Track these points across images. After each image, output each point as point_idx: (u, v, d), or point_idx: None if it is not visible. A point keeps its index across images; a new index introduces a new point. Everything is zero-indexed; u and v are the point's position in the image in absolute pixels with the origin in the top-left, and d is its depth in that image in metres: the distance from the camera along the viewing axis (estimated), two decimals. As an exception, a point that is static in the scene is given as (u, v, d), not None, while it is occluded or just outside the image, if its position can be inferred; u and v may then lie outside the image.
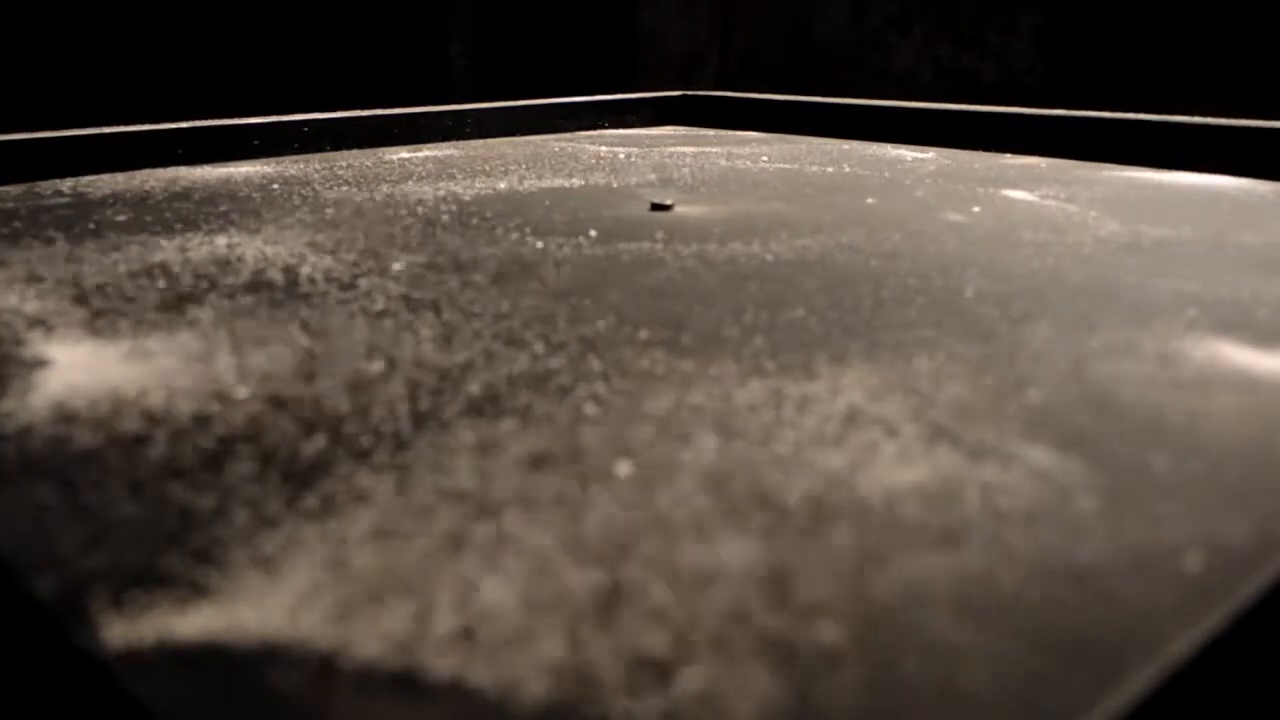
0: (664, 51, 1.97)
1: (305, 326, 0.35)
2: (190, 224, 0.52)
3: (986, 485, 0.23)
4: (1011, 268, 0.43)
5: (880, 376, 0.30)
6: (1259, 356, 0.32)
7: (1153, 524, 0.21)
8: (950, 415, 0.27)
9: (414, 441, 0.25)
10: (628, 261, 0.44)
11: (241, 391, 0.29)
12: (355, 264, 0.43)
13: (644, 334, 0.34)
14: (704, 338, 0.33)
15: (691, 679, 0.16)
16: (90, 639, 0.17)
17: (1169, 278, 0.42)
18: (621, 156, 0.80)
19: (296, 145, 0.80)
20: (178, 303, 0.37)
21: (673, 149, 0.85)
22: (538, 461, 0.24)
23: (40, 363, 0.31)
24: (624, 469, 0.24)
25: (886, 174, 0.71)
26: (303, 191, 0.62)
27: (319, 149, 0.81)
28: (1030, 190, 0.64)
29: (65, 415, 0.27)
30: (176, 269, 0.43)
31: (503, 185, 0.65)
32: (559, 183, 0.66)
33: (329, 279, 0.41)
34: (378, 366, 0.31)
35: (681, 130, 1.02)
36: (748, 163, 0.77)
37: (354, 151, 0.82)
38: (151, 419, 0.27)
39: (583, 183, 0.67)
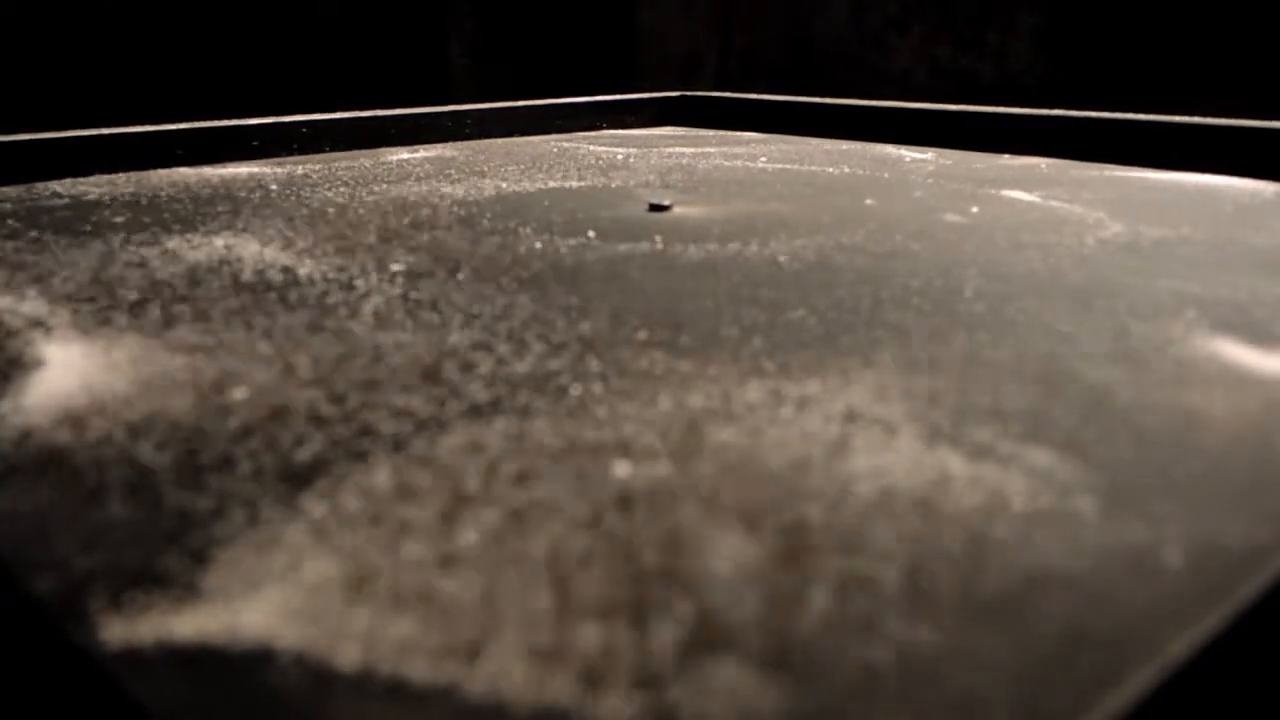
0: (663, 52, 1.97)
1: (304, 326, 0.35)
2: (189, 224, 0.52)
3: (985, 485, 0.23)
4: (1011, 268, 0.43)
5: (879, 377, 0.30)
6: (1259, 356, 0.32)
7: (1152, 524, 0.21)
8: (949, 415, 0.27)
9: (413, 441, 0.25)
10: (627, 262, 0.44)
11: (240, 392, 0.29)
12: (354, 264, 0.43)
13: (643, 334, 0.34)
14: (703, 338, 0.33)
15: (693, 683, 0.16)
16: (89, 639, 0.17)
17: (1169, 278, 0.42)
18: (620, 157, 0.80)
19: (296, 146, 0.80)
20: (176, 303, 0.37)
21: (672, 149, 0.85)
22: (538, 462, 0.24)
23: (38, 363, 0.31)
24: (623, 469, 0.24)
25: (886, 174, 0.71)
26: (302, 192, 0.62)
27: (318, 149, 0.81)
28: (1030, 191, 0.64)
29: (63, 415, 0.27)
30: (175, 269, 0.42)
31: (502, 186, 0.65)
32: (558, 183, 0.66)
33: (328, 279, 0.41)
34: (377, 366, 0.31)
35: (680, 131, 1.02)
36: (747, 163, 0.77)
37: (353, 152, 0.82)
38: (151, 419, 0.27)
39: (581, 183, 0.67)
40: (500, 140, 0.90)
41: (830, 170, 0.73)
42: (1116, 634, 0.17)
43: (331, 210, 0.56)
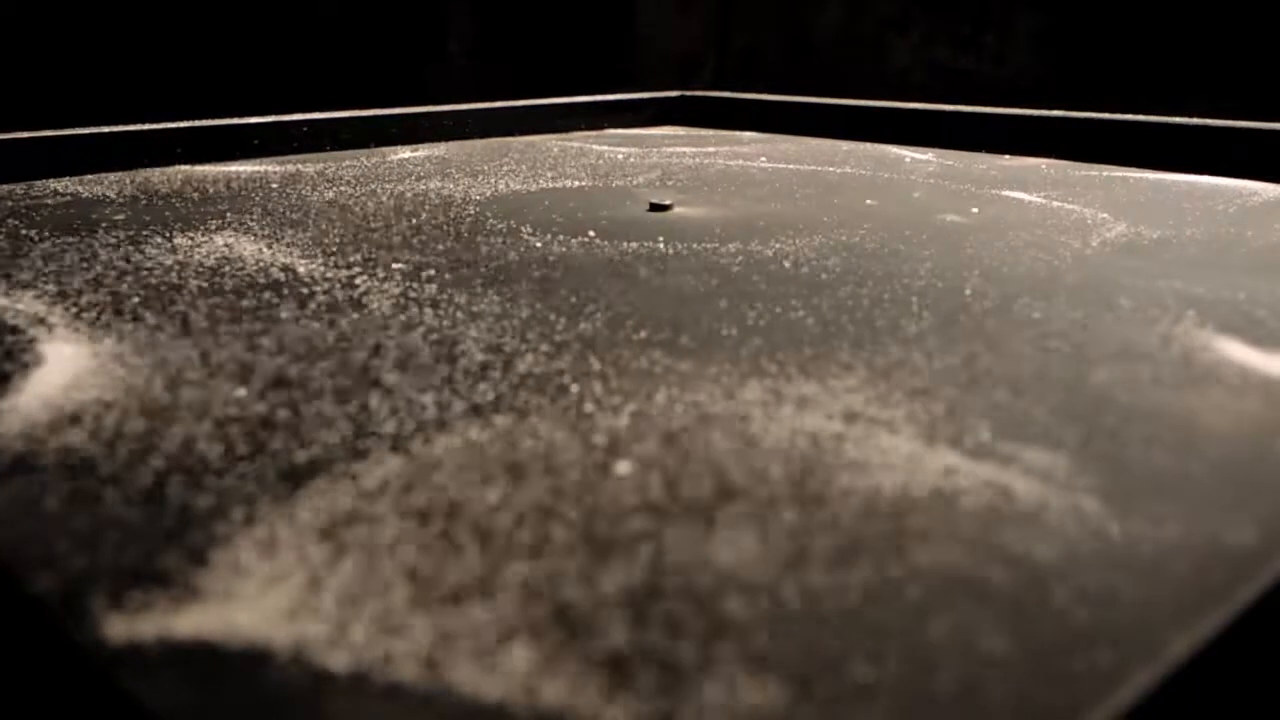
0: (662, 52, 1.97)
1: (304, 325, 0.35)
2: (189, 223, 0.52)
3: (985, 486, 0.23)
4: (1011, 268, 0.43)
5: (879, 377, 0.30)
6: (1259, 357, 0.32)
7: (1152, 525, 0.21)
8: (949, 416, 0.27)
9: (413, 442, 0.25)
10: (627, 262, 0.44)
11: (240, 391, 0.29)
12: (355, 264, 0.43)
13: (643, 334, 0.34)
14: (703, 338, 0.33)
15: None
16: (89, 638, 0.17)
17: (1169, 279, 0.42)
18: (620, 157, 0.80)
19: (296, 145, 0.80)
20: (176, 301, 0.37)
21: (671, 149, 0.85)
22: (539, 464, 0.24)
23: (37, 361, 0.31)
24: (623, 468, 0.24)
25: (886, 175, 0.71)
26: (302, 191, 0.62)
27: (319, 148, 0.81)
28: (1030, 191, 0.64)
29: (63, 414, 0.27)
30: (176, 268, 0.42)
31: (501, 185, 0.65)
32: (558, 183, 0.66)
33: (328, 279, 0.41)
34: (376, 365, 0.31)
35: (680, 130, 1.02)
36: (746, 163, 0.77)
37: (353, 151, 0.82)
38: (151, 418, 0.27)
39: (581, 183, 0.67)
40: (500, 140, 0.90)
41: (831, 170, 0.73)
42: (1117, 634, 0.17)
43: (332, 209, 0.56)
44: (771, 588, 0.19)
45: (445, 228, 0.51)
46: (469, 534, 0.21)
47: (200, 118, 0.77)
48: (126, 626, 0.18)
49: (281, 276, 0.41)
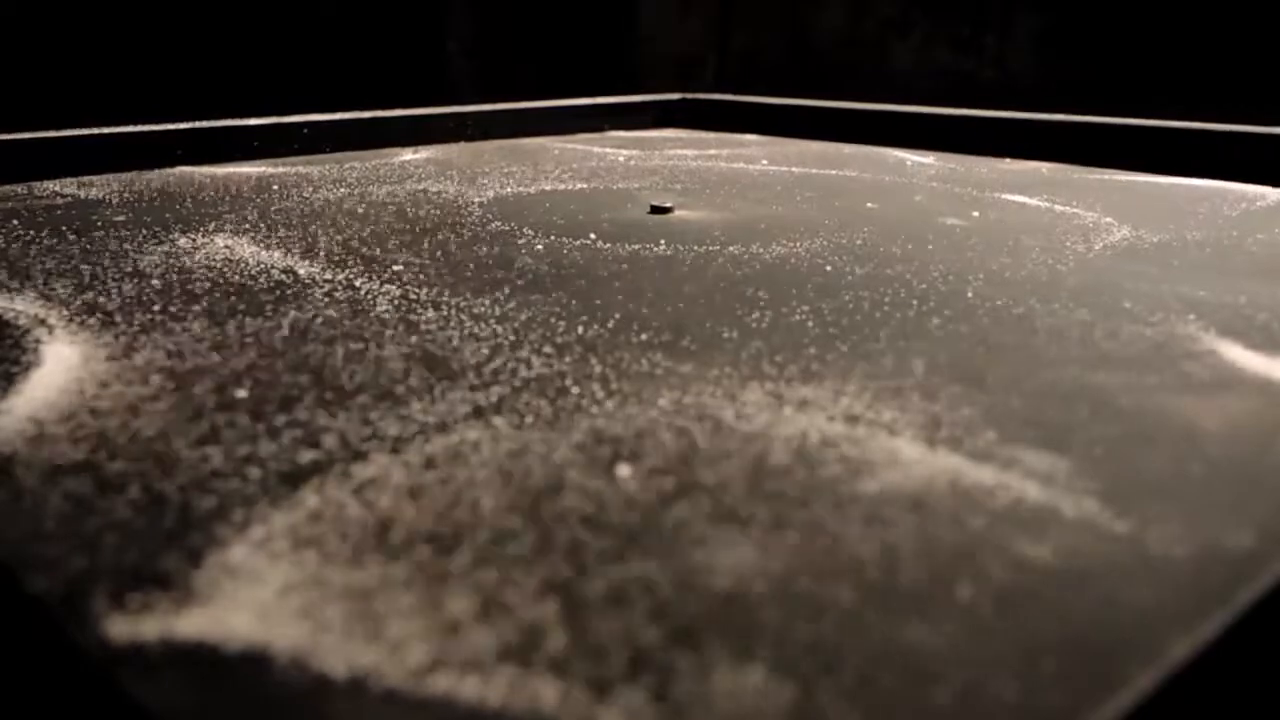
0: (663, 54, 1.97)
1: (305, 327, 0.35)
2: (189, 225, 0.52)
3: (987, 488, 0.23)
4: (1012, 272, 0.43)
5: (880, 380, 0.30)
6: (1260, 360, 0.32)
7: (1153, 527, 0.21)
8: (950, 418, 0.27)
9: (413, 443, 0.25)
10: (628, 264, 0.44)
11: (240, 392, 0.29)
12: (355, 265, 0.43)
13: (644, 336, 0.34)
14: (704, 340, 0.33)
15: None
16: (89, 639, 0.17)
17: (1170, 282, 0.42)
18: (621, 159, 0.80)
19: (296, 146, 0.80)
20: (176, 302, 0.37)
21: (672, 151, 0.86)
22: (540, 466, 0.24)
23: (37, 362, 0.31)
24: (624, 470, 0.24)
25: (886, 178, 0.71)
26: (303, 193, 0.62)
27: (319, 150, 0.81)
28: (1031, 195, 0.64)
29: (63, 415, 0.27)
30: (176, 270, 0.42)
31: (502, 187, 0.65)
32: (559, 185, 0.66)
33: (329, 280, 0.41)
34: (377, 367, 0.31)
35: (682, 133, 1.02)
36: (747, 165, 0.77)
37: (354, 152, 0.82)
38: (151, 418, 0.27)
39: (582, 185, 0.67)
40: (501, 142, 0.90)
41: (832, 173, 0.73)
42: (1117, 636, 0.17)
43: (333, 211, 0.56)
44: (772, 588, 0.19)
45: (446, 230, 0.51)
46: (470, 535, 0.21)
47: (200, 119, 0.77)
48: (127, 627, 0.18)
49: (282, 278, 0.41)
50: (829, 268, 0.44)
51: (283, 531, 0.21)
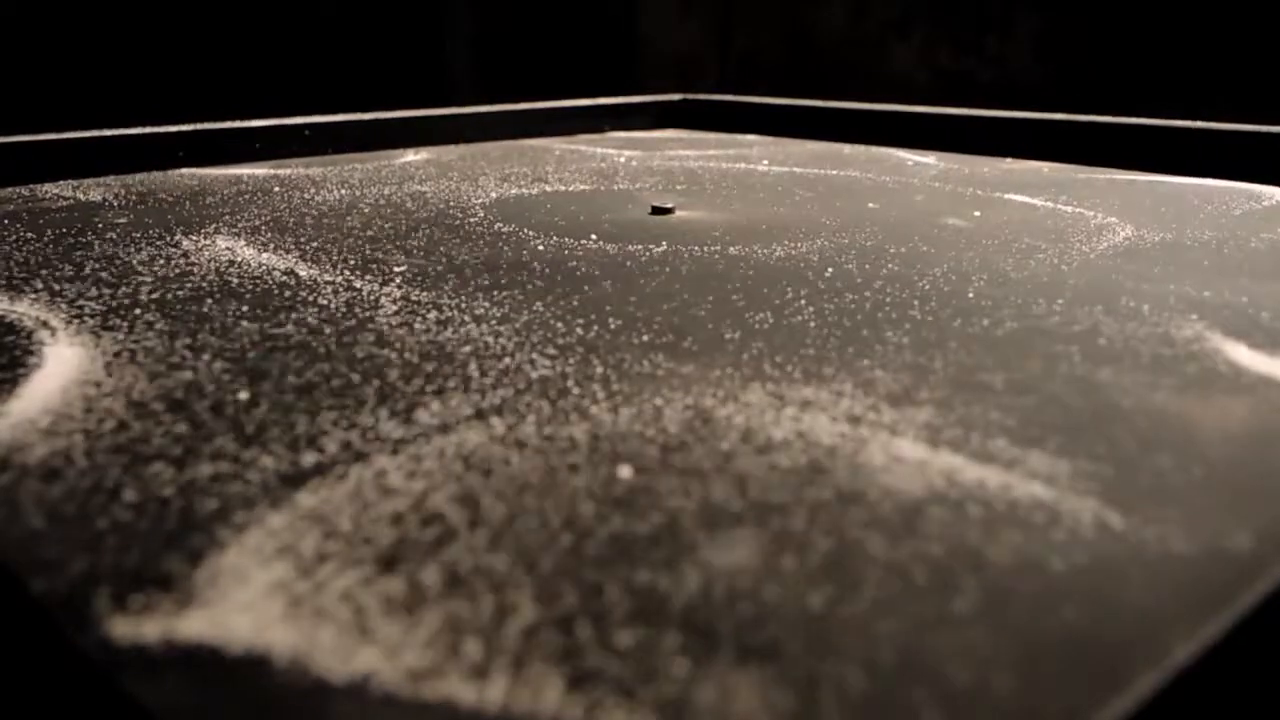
0: (663, 54, 1.97)
1: (305, 329, 0.35)
2: (191, 227, 0.52)
3: (988, 489, 0.23)
4: (1013, 272, 0.43)
5: (882, 380, 0.30)
6: (1264, 360, 0.32)
7: (1155, 528, 0.21)
8: (952, 419, 0.27)
9: (414, 445, 0.25)
10: (629, 265, 0.44)
11: (243, 394, 0.29)
12: (356, 266, 0.43)
13: (646, 337, 0.34)
14: (705, 341, 0.33)
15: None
16: (90, 641, 0.17)
17: (1173, 282, 0.42)
18: (622, 160, 0.80)
19: (298, 148, 0.80)
20: (178, 304, 0.37)
21: (673, 152, 0.86)
22: (541, 467, 0.24)
23: (40, 364, 0.31)
24: (625, 472, 0.24)
25: (888, 178, 0.71)
26: (304, 194, 0.62)
27: (320, 151, 0.81)
28: (1033, 195, 0.64)
29: (65, 416, 0.27)
30: (177, 272, 0.42)
31: (504, 188, 0.65)
32: (560, 186, 0.67)
33: (330, 282, 0.41)
34: (378, 369, 0.31)
35: (683, 133, 1.02)
36: (749, 166, 0.77)
37: (355, 154, 0.82)
38: (152, 419, 0.27)
39: (584, 186, 0.67)
40: (502, 143, 0.90)
41: (833, 173, 0.73)
42: (1119, 637, 0.17)
43: (334, 212, 0.56)
44: (772, 589, 0.19)
45: (448, 231, 0.51)
46: (472, 535, 0.21)
47: (202, 120, 0.77)
48: (128, 629, 0.18)
49: (283, 280, 0.41)
50: (830, 268, 0.44)
51: (284, 533, 0.21)
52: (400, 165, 0.75)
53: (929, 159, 0.81)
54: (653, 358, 0.32)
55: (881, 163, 0.79)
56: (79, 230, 0.51)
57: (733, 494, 0.23)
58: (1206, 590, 0.19)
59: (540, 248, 0.47)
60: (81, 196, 0.61)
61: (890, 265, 0.44)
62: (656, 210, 0.57)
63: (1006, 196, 0.63)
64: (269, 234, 0.50)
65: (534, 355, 0.32)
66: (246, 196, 0.61)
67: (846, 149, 0.88)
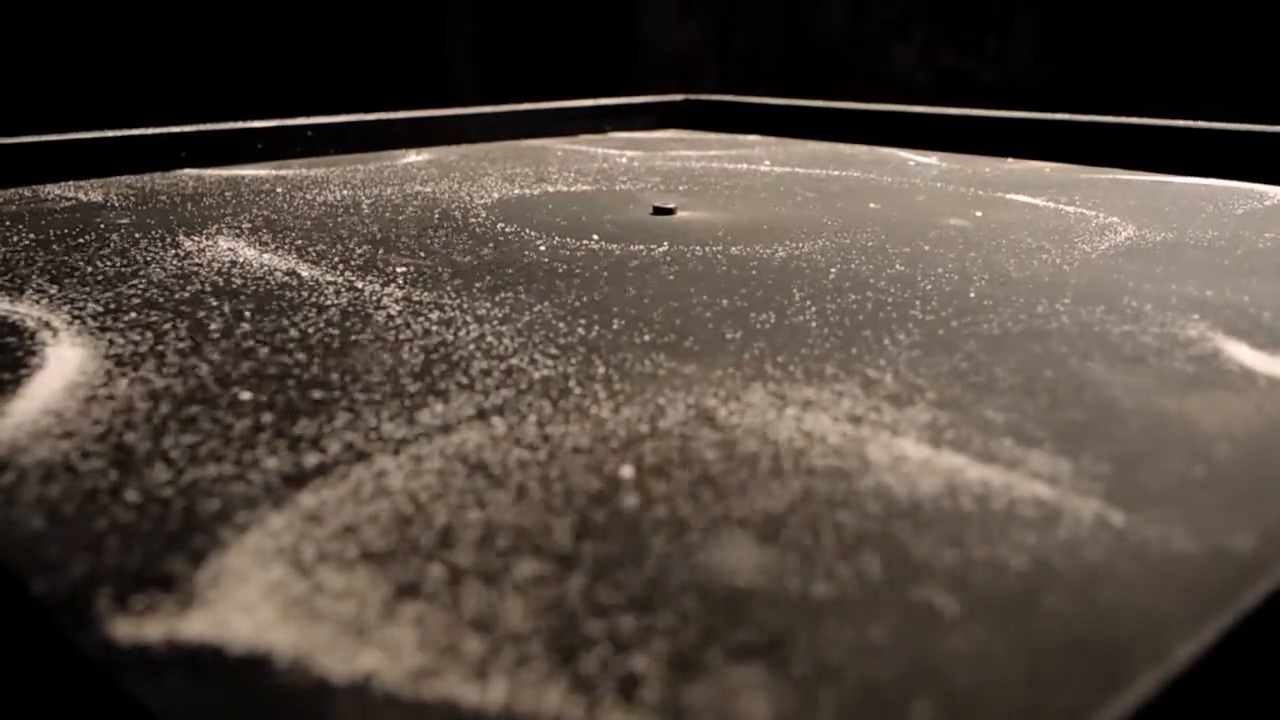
0: (664, 55, 1.97)
1: (307, 329, 0.35)
2: (193, 228, 0.52)
3: (990, 489, 0.23)
4: (1015, 272, 0.43)
5: (884, 380, 0.30)
6: (1266, 360, 0.32)
7: (1156, 528, 0.21)
8: (954, 418, 0.27)
9: (416, 445, 0.25)
10: (631, 265, 0.44)
11: (245, 394, 0.29)
12: (358, 267, 0.43)
13: (647, 337, 0.34)
14: (707, 341, 0.33)
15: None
16: (92, 642, 0.17)
17: (1175, 282, 0.42)
18: (623, 160, 0.80)
19: (299, 148, 0.81)
20: (179, 306, 0.37)
21: (674, 152, 0.86)
22: (542, 468, 0.24)
23: (42, 365, 0.31)
24: (626, 472, 0.24)
25: (889, 178, 0.71)
26: (306, 195, 0.62)
27: (322, 152, 0.81)
28: (1034, 195, 0.64)
29: (66, 417, 0.27)
30: (179, 273, 0.43)
31: (505, 189, 0.65)
32: (561, 186, 0.67)
33: (332, 282, 0.41)
34: (380, 370, 0.31)
35: (684, 134, 1.02)
36: (750, 166, 0.77)
37: (357, 154, 0.82)
38: (154, 420, 0.27)
39: (585, 186, 0.67)
40: (503, 143, 0.90)
41: (834, 174, 0.73)
42: (1121, 637, 0.17)
43: (336, 213, 0.56)
44: (774, 589, 0.19)
45: (449, 232, 0.51)
46: (473, 536, 0.21)
47: (201, 120, 0.77)
48: (130, 629, 0.18)
49: (285, 280, 0.41)
50: (832, 268, 0.44)
51: (286, 533, 0.21)
52: (402, 166, 0.75)
53: (931, 159, 0.81)
54: (654, 358, 0.32)
55: (883, 163, 0.79)
56: (81, 231, 0.51)
57: (734, 494, 0.23)
58: (1208, 590, 0.19)
59: (542, 248, 0.47)
60: (83, 197, 0.61)
61: (892, 265, 0.44)
62: (658, 210, 0.57)
63: (1008, 196, 0.63)
64: (271, 235, 0.50)
65: (536, 355, 0.32)
66: (249, 197, 0.61)
67: (848, 149, 0.88)
